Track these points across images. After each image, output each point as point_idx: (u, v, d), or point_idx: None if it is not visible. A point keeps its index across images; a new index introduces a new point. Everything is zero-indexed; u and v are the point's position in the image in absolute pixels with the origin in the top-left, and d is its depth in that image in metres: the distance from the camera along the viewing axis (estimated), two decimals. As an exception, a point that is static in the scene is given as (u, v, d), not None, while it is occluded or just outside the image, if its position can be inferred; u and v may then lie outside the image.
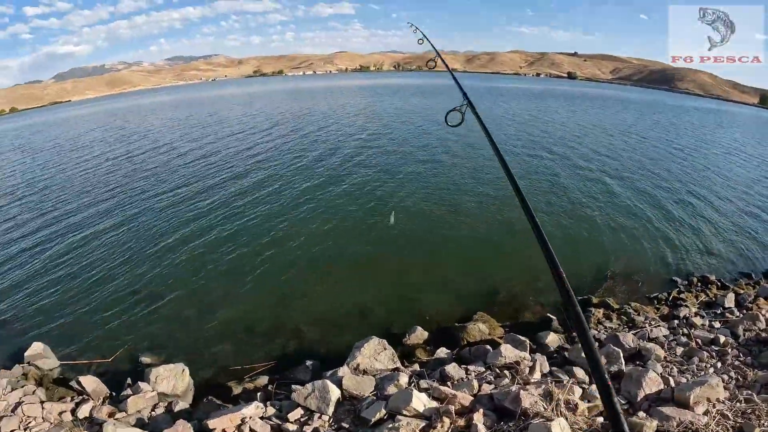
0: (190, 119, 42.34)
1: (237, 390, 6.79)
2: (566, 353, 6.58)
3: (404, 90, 74.28)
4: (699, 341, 6.92)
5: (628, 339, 6.57)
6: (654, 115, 52.38)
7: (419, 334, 7.58)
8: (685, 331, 7.44)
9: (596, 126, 35.61)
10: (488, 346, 6.67)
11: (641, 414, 4.51)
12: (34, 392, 6.44)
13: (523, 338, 6.85)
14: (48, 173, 22.62)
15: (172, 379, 6.73)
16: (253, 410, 5.33)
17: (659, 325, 7.62)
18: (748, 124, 54.77)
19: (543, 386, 4.74)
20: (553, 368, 6.03)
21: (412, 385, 5.35)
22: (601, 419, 4.24)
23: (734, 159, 26.09)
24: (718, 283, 9.97)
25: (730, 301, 8.82)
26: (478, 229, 12.49)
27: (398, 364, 6.44)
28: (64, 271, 10.92)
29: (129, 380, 6.91)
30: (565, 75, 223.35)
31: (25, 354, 7.38)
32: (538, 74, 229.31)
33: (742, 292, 9.37)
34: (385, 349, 6.59)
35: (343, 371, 6.03)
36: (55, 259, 11.68)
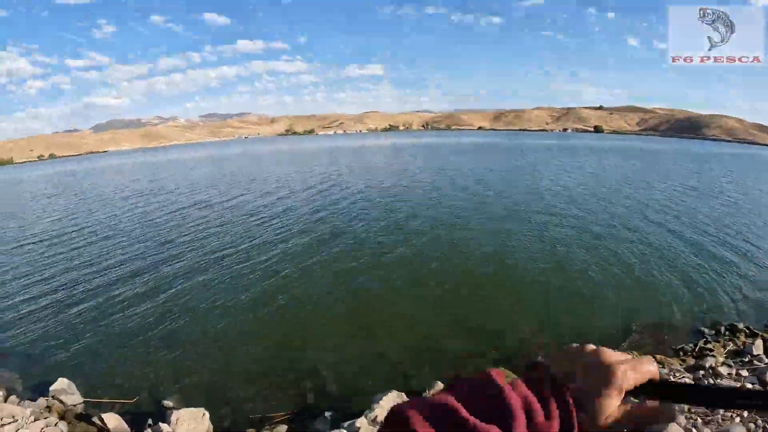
0: (224, 176, 44.03)
1: (257, 438, 6.74)
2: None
3: (434, 148, 76.72)
4: (725, 390, 6.81)
5: (652, 392, 6.43)
6: (684, 163, 51.68)
7: (438, 390, 7.29)
8: (711, 381, 7.11)
9: (627, 177, 35.14)
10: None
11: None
12: (56, 424, 6.45)
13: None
14: (89, 218, 23.74)
15: (192, 423, 6.64)
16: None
17: (684, 377, 7.29)
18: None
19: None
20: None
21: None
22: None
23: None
24: (747, 331, 9.40)
25: (758, 347, 8.33)
26: (495, 285, 12.21)
27: (415, 419, 6.37)
28: (94, 311, 11.16)
29: (150, 421, 6.93)
30: (592, 129, 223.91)
31: (50, 388, 7.45)
32: (564, 129, 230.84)
33: (771, 338, 8.86)
34: (403, 402, 6.47)
35: (361, 422, 5.97)
36: (87, 299, 11.99)
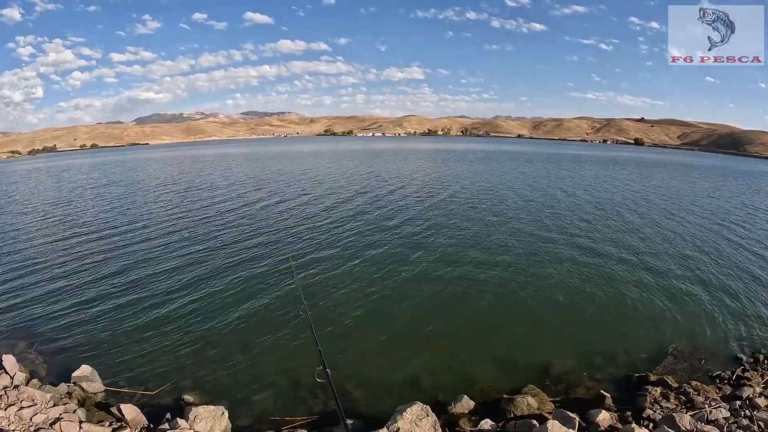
0: (271, 175, 44.54)
1: (273, 441, 6.57)
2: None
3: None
4: (762, 424, 6.35)
5: (685, 421, 6.18)
6: (730, 179, 49.24)
7: (465, 404, 7.15)
8: (747, 413, 6.76)
9: (672, 193, 33.36)
10: (535, 422, 6.40)
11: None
12: (74, 411, 6.31)
13: (572, 415, 6.45)
14: (133, 210, 24.35)
15: (210, 421, 6.38)
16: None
17: (719, 406, 6.97)
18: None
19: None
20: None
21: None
22: None
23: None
24: (787, 361, 8.75)
25: (799, 379, 7.77)
26: (532, 300, 11.60)
27: (439, 432, 6.12)
28: (125, 303, 11.19)
29: (168, 415, 6.73)
30: (632, 141, 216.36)
31: (72, 374, 7.37)
32: (604, 141, 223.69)
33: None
34: (427, 415, 6.32)
35: (381, 433, 5.67)
36: (119, 290, 12.06)
